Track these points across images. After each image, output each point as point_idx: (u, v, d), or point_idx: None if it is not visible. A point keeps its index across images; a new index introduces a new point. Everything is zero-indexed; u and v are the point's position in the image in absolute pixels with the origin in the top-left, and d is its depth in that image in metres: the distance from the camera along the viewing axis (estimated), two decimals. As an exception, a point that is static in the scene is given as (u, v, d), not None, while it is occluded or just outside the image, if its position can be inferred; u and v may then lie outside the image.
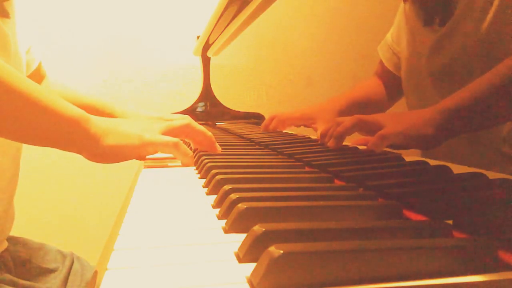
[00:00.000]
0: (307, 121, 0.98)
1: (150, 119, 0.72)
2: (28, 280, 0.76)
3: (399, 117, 0.66)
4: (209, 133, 0.67)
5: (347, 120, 0.67)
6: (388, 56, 1.01)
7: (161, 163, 0.64)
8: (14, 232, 0.85)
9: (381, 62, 1.05)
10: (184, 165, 0.61)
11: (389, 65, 1.00)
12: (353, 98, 1.02)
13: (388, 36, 1.01)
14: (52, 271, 0.81)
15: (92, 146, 0.55)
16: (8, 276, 0.72)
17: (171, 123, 0.64)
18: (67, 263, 0.83)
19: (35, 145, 0.57)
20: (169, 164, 0.65)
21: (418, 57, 0.83)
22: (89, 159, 0.56)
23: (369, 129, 0.65)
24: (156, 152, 0.59)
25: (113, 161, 0.57)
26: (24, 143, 0.59)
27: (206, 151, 0.65)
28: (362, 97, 1.04)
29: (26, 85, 0.51)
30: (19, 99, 0.50)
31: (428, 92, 0.82)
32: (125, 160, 0.58)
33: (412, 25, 0.85)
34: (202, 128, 0.67)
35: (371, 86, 1.07)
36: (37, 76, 0.94)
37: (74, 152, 0.56)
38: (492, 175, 0.41)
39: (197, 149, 0.68)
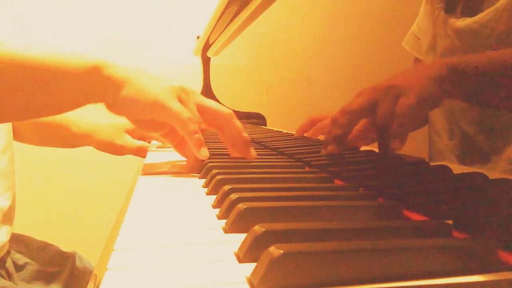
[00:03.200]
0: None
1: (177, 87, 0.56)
2: (29, 283, 0.76)
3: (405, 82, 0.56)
4: (246, 134, 0.57)
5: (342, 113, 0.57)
6: (418, 48, 0.92)
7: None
8: (17, 230, 0.85)
9: (416, 60, 0.95)
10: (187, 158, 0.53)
11: (421, 56, 0.92)
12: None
13: (414, 26, 0.94)
14: (53, 274, 0.80)
15: (111, 95, 0.51)
16: (9, 284, 0.72)
17: (204, 100, 0.54)
18: (69, 265, 0.83)
19: (58, 112, 0.54)
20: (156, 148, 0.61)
21: (435, 45, 0.80)
22: (108, 109, 0.53)
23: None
24: (165, 121, 0.52)
25: (129, 115, 0.53)
26: (48, 115, 0.56)
27: (237, 155, 0.57)
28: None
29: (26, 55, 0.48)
30: (28, 70, 0.47)
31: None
32: (139, 117, 0.53)
33: (434, 9, 0.80)
34: (240, 125, 0.56)
35: None
36: None
37: (94, 102, 0.52)
38: (492, 175, 0.41)
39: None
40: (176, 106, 0.50)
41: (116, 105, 0.51)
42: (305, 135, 0.90)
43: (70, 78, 0.49)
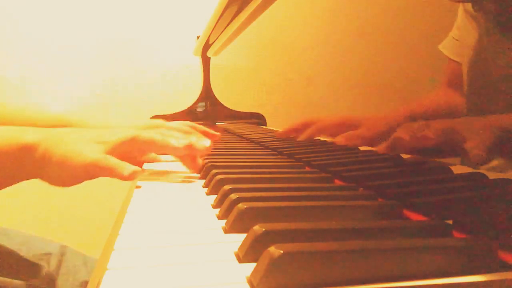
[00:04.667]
0: (349, 128, 0.84)
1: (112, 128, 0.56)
2: (9, 274, 0.74)
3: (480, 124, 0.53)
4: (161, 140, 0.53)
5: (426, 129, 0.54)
6: (458, 51, 0.86)
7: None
8: (8, 225, 0.83)
9: (451, 63, 0.91)
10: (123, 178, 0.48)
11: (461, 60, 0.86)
12: (414, 111, 0.87)
13: (454, 31, 0.88)
14: (36, 267, 0.78)
15: (45, 171, 0.50)
16: None
17: (112, 139, 0.52)
18: (54, 262, 0.80)
19: None
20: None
21: (487, 65, 0.74)
22: (51, 184, 0.51)
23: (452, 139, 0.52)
24: (90, 174, 0.49)
25: (68, 184, 0.51)
26: None
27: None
28: (429, 110, 0.88)
29: None
30: None
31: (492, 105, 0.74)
32: (80, 181, 0.51)
33: (482, 26, 0.76)
34: (150, 136, 0.52)
35: (442, 96, 0.92)
36: None
37: (33, 178, 0.51)
38: (492, 175, 0.41)
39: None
40: (111, 163, 0.48)
41: (54, 179, 0.50)
42: (304, 135, 0.88)
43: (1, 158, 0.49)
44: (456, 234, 0.28)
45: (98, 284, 0.22)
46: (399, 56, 1.88)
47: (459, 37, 0.87)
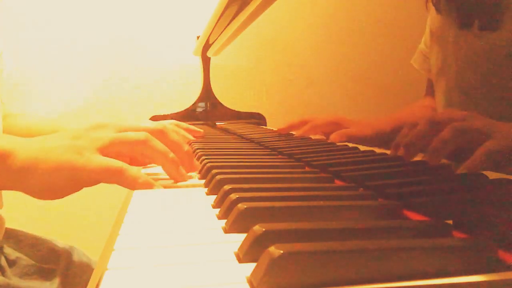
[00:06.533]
0: (341, 127, 0.87)
1: (86, 129, 0.49)
2: (21, 278, 0.75)
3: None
4: (187, 147, 0.52)
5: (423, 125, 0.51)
6: (427, 67, 0.90)
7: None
8: (12, 225, 0.83)
9: (428, 80, 0.94)
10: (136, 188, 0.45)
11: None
12: (403, 119, 0.86)
13: (421, 44, 0.92)
14: (47, 271, 0.78)
15: (27, 183, 0.45)
16: (1, 280, 0.71)
17: (115, 136, 0.47)
18: (63, 263, 0.80)
19: None
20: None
21: (450, 62, 0.76)
22: (34, 197, 0.47)
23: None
24: (99, 181, 0.45)
25: (59, 196, 0.47)
26: None
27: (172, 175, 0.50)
28: (417, 118, 0.92)
29: None
30: None
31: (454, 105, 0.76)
32: (71, 193, 0.47)
33: (444, 28, 0.77)
34: (163, 147, 0.49)
35: (427, 104, 0.93)
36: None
37: (12, 190, 0.47)
38: (492, 175, 0.41)
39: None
40: (99, 163, 0.44)
41: (40, 193, 0.46)
42: (300, 132, 0.90)
43: None
44: (456, 234, 0.28)
45: (98, 284, 0.22)
46: (400, 57, 1.88)
47: (427, 53, 0.89)
